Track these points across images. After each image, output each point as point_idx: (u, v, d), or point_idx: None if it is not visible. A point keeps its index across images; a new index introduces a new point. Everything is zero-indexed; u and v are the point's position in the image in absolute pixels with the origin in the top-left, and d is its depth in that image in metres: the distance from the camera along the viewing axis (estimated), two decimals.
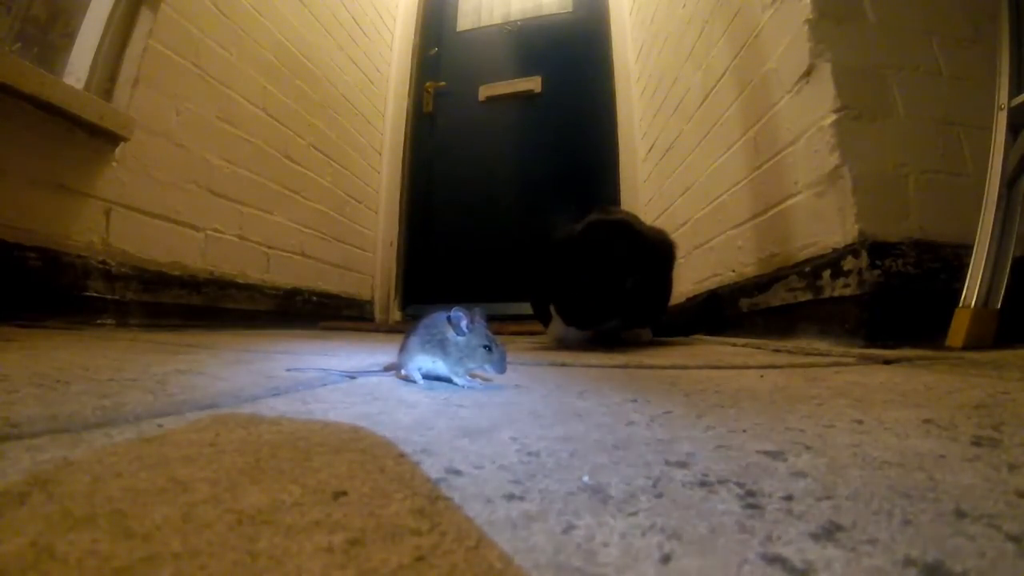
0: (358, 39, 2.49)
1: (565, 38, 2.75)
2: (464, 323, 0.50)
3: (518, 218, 2.55)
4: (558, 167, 2.59)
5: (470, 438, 0.30)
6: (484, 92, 2.76)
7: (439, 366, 0.52)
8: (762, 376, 0.57)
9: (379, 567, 0.15)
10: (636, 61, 2.49)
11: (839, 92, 0.98)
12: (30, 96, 1.05)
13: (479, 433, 0.31)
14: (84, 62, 1.25)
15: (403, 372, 0.55)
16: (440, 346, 0.52)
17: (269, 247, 1.84)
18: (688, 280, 1.76)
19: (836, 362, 0.70)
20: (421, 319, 0.54)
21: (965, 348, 0.79)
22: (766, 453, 0.26)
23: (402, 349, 0.55)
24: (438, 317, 0.52)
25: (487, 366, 0.51)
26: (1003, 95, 0.86)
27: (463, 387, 0.50)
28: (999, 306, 0.81)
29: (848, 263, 0.94)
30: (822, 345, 0.96)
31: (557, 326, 1.20)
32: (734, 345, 1.11)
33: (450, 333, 0.51)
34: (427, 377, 0.53)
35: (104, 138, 1.23)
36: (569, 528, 0.18)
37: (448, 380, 0.52)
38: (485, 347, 0.51)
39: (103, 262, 1.24)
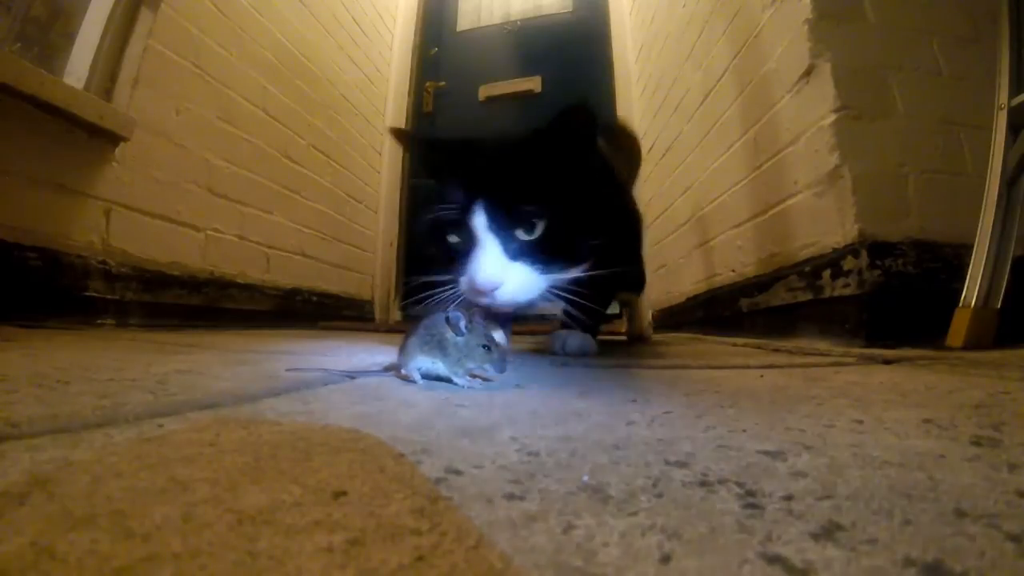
0: (358, 39, 2.49)
1: (565, 38, 2.75)
2: (462, 323, 0.50)
3: None
4: None
5: (470, 438, 0.30)
6: (484, 92, 2.75)
7: (439, 366, 0.52)
8: (762, 376, 0.57)
9: (379, 567, 0.15)
10: (636, 61, 2.49)
11: (839, 92, 0.98)
12: (30, 96, 1.05)
13: (479, 433, 0.31)
14: (84, 62, 1.24)
15: (403, 372, 0.54)
16: (439, 347, 0.51)
17: (269, 247, 1.84)
18: (688, 280, 1.76)
19: (836, 362, 0.70)
20: (421, 319, 0.54)
21: (965, 348, 0.79)
22: (766, 453, 0.26)
23: (402, 349, 0.54)
24: (438, 317, 0.52)
25: (487, 366, 0.50)
26: (1003, 95, 0.86)
27: (463, 387, 0.50)
28: (999, 306, 0.81)
29: (848, 263, 0.94)
30: (822, 345, 0.96)
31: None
32: (734, 345, 1.11)
33: (449, 333, 0.51)
34: (427, 377, 0.53)
35: (104, 138, 1.23)
36: (569, 528, 0.18)
37: (448, 380, 0.52)
38: (484, 347, 0.50)
39: (103, 262, 1.24)
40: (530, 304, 0.71)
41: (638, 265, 1.16)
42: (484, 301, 0.62)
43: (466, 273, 0.61)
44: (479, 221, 0.60)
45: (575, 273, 0.69)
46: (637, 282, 1.23)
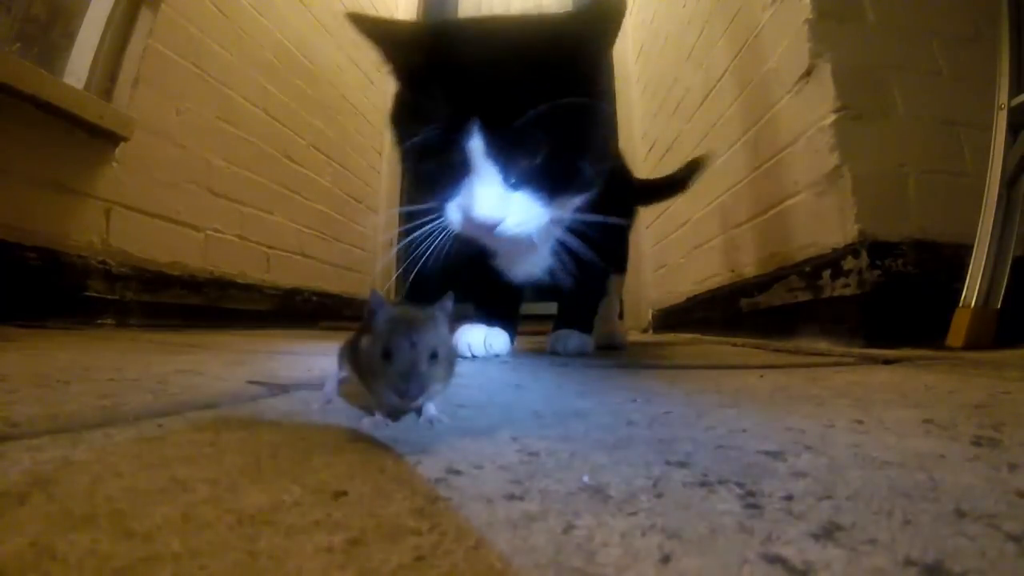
0: (358, 39, 2.49)
1: None
2: (380, 313, 0.31)
3: None
4: None
5: (470, 438, 0.30)
6: None
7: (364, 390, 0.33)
8: (762, 376, 0.57)
9: (379, 567, 0.15)
10: (636, 61, 2.49)
11: (839, 92, 0.98)
12: (30, 96, 1.05)
13: (479, 433, 0.31)
14: (84, 62, 1.25)
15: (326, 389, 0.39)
16: (349, 355, 0.34)
17: (269, 247, 1.84)
18: (688, 280, 1.76)
19: (836, 362, 0.70)
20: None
21: (965, 348, 0.79)
22: (766, 453, 0.26)
23: (340, 355, 0.38)
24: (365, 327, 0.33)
25: (388, 391, 0.29)
26: (1003, 95, 0.86)
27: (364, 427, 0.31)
28: (999, 306, 0.81)
29: (848, 263, 0.94)
30: (822, 345, 0.96)
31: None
32: (734, 345, 1.11)
33: (366, 337, 0.32)
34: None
35: (104, 138, 1.23)
36: (569, 528, 0.18)
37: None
38: (384, 355, 0.29)
39: (103, 262, 1.24)
40: (531, 242, 0.59)
41: (624, 241, 1.01)
42: (483, 236, 0.52)
43: (459, 205, 0.51)
44: (474, 144, 0.48)
45: (577, 202, 0.59)
46: (621, 261, 1.05)
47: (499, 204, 0.50)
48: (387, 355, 0.29)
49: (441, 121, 0.49)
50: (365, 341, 0.31)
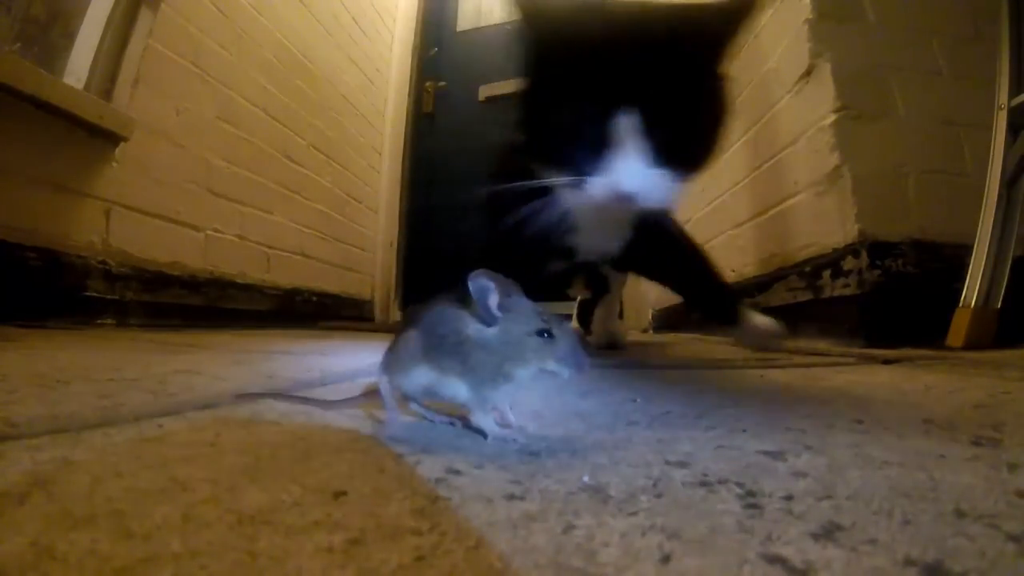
0: (358, 39, 2.49)
1: None
2: (493, 300, 0.30)
3: None
4: None
5: (470, 438, 0.30)
6: (484, 92, 2.75)
7: (456, 387, 0.31)
8: (762, 376, 0.57)
9: (379, 567, 0.15)
10: None
11: (839, 92, 0.98)
12: (30, 96, 1.05)
13: (479, 433, 0.31)
14: (84, 62, 1.24)
15: (388, 393, 0.34)
16: (455, 353, 0.30)
17: (269, 247, 1.84)
18: None
19: (836, 362, 0.70)
20: (418, 314, 0.35)
21: (965, 348, 0.79)
22: (766, 453, 0.26)
23: (389, 356, 0.35)
24: (446, 313, 0.32)
25: (551, 364, 0.30)
26: (1003, 95, 0.86)
27: (492, 440, 0.30)
28: (999, 306, 0.81)
29: (848, 263, 0.94)
30: (822, 345, 0.96)
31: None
32: (734, 345, 1.11)
33: (469, 326, 0.30)
34: (435, 404, 0.35)
35: (104, 138, 1.23)
36: (569, 528, 0.18)
37: (467, 420, 0.33)
38: (541, 333, 0.29)
39: (103, 262, 1.24)
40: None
41: None
42: (620, 209, 0.57)
43: (604, 180, 0.55)
44: (622, 124, 0.54)
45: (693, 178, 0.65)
46: None
47: (642, 180, 0.56)
48: (546, 333, 0.30)
49: (589, 102, 0.55)
50: (491, 332, 0.30)
